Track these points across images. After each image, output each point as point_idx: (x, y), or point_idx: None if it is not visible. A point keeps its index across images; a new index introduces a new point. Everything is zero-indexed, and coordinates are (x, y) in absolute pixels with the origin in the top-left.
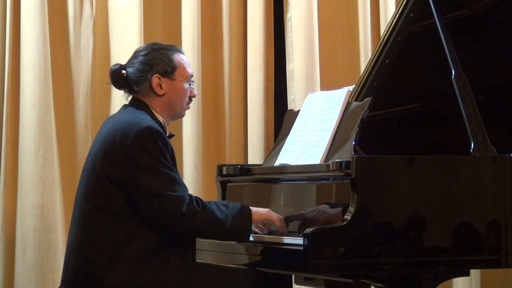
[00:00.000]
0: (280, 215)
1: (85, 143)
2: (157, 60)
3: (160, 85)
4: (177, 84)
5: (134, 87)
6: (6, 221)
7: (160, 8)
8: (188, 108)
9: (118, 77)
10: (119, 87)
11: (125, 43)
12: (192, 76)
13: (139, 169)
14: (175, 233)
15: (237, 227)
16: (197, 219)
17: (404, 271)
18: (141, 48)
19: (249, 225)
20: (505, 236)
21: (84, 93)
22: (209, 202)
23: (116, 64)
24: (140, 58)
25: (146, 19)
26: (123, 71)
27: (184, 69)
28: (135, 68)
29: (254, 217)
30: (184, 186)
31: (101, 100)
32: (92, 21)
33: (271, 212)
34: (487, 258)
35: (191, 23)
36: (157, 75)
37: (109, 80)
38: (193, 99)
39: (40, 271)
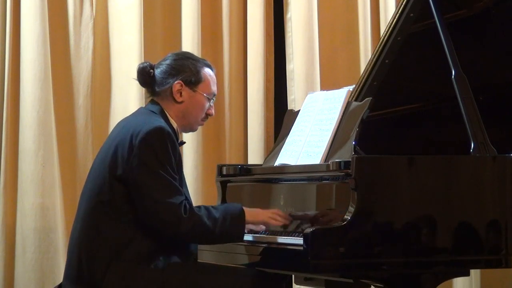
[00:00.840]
0: (273, 210)
1: (85, 143)
2: (184, 67)
3: (180, 92)
4: (197, 97)
5: (156, 88)
6: (6, 221)
7: (160, 8)
8: (202, 124)
9: (145, 75)
10: (143, 84)
11: (125, 43)
12: (214, 95)
13: (142, 167)
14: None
15: (227, 230)
16: (182, 227)
17: (404, 271)
18: (173, 53)
19: (241, 227)
20: (505, 236)
21: (84, 93)
22: (199, 208)
23: (145, 62)
24: (169, 61)
25: (146, 19)
26: (151, 70)
27: (208, 85)
28: (161, 69)
29: (248, 219)
30: (180, 193)
31: (101, 100)
32: (92, 21)
33: (265, 214)
34: (487, 258)
35: (191, 23)
36: (180, 81)
37: (135, 76)
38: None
39: (40, 271)
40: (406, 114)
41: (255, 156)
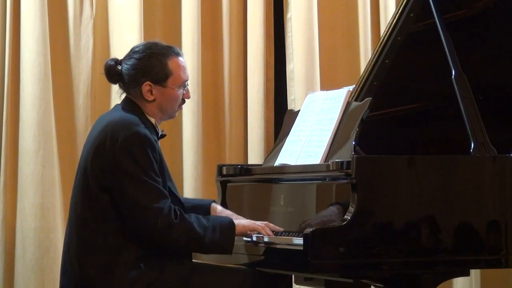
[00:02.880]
0: (264, 222)
1: None
2: (151, 67)
3: (151, 91)
4: (169, 92)
5: (127, 88)
6: (6, 221)
7: (160, 8)
8: (180, 109)
9: (113, 73)
10: (113, 82)
11: (125, 43)
12: (186, 81)
13: (124, 176)
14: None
15: (217, 240)
16: (173, 232)
17: (404, 271)
18: (138, 48)
19: (231, 238)
20: (505, 236)
21: (84, 93)
22: (189, 215)
23: (112, 59)
24: (134, 61)
25: (146, 19)
26: (118, 67)
27: (178, 76)
28: (128, 69)
29: (238, 230)
30: (166, 197)
31: (101, 100)
32: (92, 21)
33: (254, 224)
34: (487, 258)
35: (191, 23)
36: (148, 82)
37: (103, 72)
38: (188, 100)
39: (40, 271)
40: (406, 114)
41: (255, 156)
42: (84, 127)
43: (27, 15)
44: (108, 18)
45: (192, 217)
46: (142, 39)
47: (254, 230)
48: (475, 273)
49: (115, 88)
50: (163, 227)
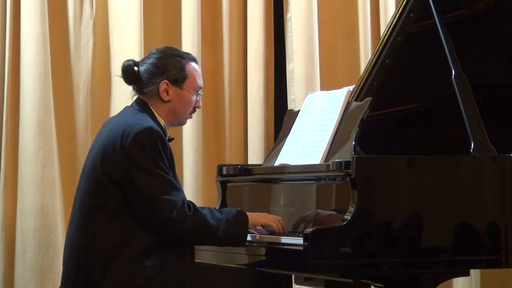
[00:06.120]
0: (277, 216)
1: (85, 143)
2: (169, 66)
3: (167, 92)
4: (184, 94)
5: (143, 88)
6: (6, 221)
7: (160, 8)
8: (191, 117)
9: (130, 73)
10: (129, 83)
11: (125, 43)
12: (201, 87)
13: (136, 169)
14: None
15: (231, 232)
16: (187, 224)
17: (404, 271)
18: (156, 50)
19: (244, 231)
20: (505, 236)
21: (84, 93)
22: (203, 208)
23: (129, 60)
24: (153, 60)
25: (146, 19)
26: (135, 68)
27: (194, 80)
28: (146, 68)
29: (250, 221)
30: (179, 190)
31: (101, 100)
32: (92, 21)
33: (267, 216)
34: (487, 258)
35: (191, 23)
36: (166, 81)
37: (119, 73)
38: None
39: (40, 271)
40: (406, 114)
41: (255, 156)
42: (84, 127)
43: (27, 15)
44: (108, 18)
45: (206, 210)
46: (142, 39)
47: (266, 223)
48: (475, 273)
49: (115, 88)
50: (177, 219)
